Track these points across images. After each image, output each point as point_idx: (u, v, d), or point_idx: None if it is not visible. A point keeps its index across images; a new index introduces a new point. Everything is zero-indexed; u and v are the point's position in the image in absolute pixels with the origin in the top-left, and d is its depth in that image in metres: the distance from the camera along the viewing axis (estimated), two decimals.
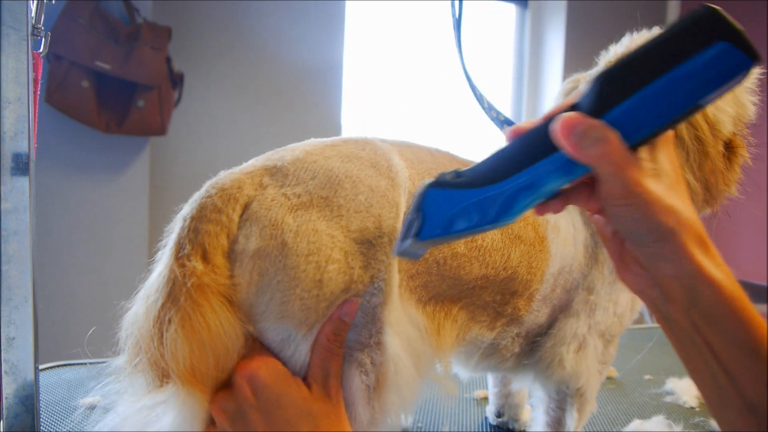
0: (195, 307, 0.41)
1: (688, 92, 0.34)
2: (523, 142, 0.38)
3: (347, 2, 2.22)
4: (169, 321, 0.41)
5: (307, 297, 0.43)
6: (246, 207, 0.44)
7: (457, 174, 0.39)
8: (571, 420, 0.67)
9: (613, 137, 0.35)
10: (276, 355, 0.44)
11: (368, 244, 0.45)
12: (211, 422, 0.44)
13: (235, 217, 0.44)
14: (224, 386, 0.44)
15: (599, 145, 0.35)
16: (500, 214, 0.38)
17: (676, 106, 0.34)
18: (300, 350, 0.44)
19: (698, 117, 0.61)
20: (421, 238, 0.38)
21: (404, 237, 0.40)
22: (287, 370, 0.44)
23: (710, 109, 0.62)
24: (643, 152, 0.37)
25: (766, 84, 0.72)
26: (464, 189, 0.38)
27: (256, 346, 0.45)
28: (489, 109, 0.75)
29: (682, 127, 0.60)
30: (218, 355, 0.42)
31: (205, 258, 0.43)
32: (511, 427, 0.82)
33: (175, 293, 0.42)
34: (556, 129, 0.36)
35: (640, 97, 0.34)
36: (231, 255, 0.44)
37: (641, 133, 0.35)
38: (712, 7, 0.33)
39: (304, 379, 0.44)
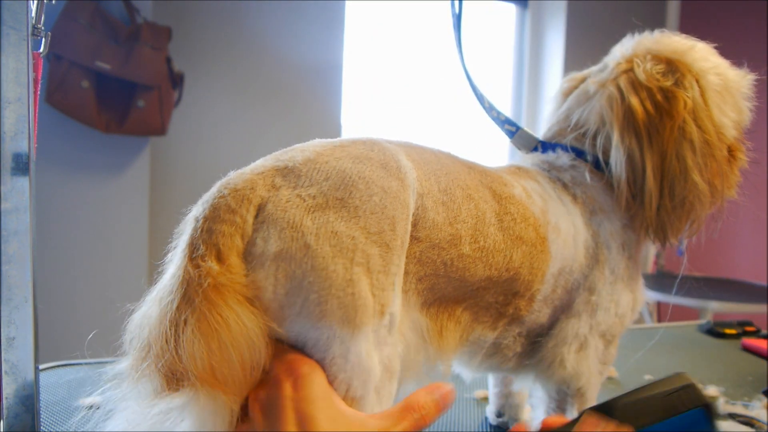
0: (211, 306, 0.40)
1: None
2: None
3: (347, 2, 2.22)
4: (185, 322, 0.40)
5: (343, 296, 0.42)
6: (260, 208, 0.44)
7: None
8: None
9: None
10: (322, 354, 0.43)
11: (386, 247, 0.45)
12: (240, 421, 0.43)
13: (249, 218, 0.43)
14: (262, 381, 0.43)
15: None
16: None
17: None
18: (351, 351, 0.43)
19: (706, 121, 0.63)
20: None
21: None
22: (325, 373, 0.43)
23: (716, 113, 0.63)
24: None
25: (766, 89, 0.72)
26: None
27: (285, 345, 0.44)
28: (489, 108, 0.75)
29: (693, 129, 0.62)
30: (242, 353, 0.41)
31: (220, 258, 0.42)
32: (511, 427, 0.82)
33: (190, 294, 0.41)
34: None
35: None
36: (248, 257, 0.43)
37: None
38: (693, 384, 0.47)
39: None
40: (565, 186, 0.66)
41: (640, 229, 0.67)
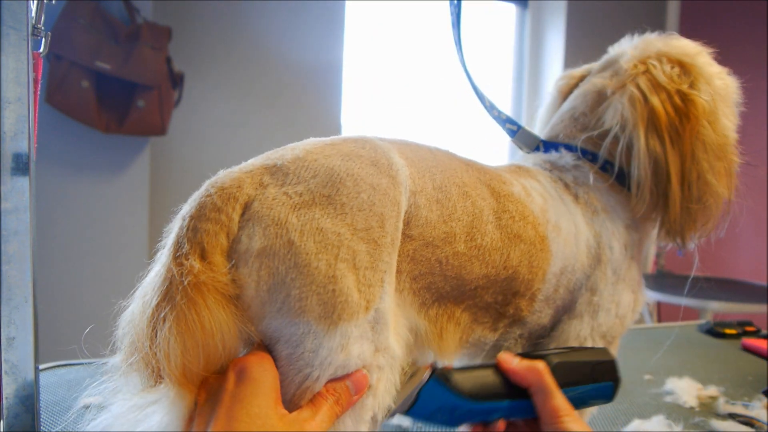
0: (190, 305, 0.41)
1: (588, 396, 0.54)
2: (505, 381, 0.52)
3: (347, 2, 2.22)
4: (164, 319, 0.41)
5: (323, 292, 0.43)
6: (246, 206, 0.44)
7: (452, 373, 0.50)
8: None
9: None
10: (293, 349, 0.43)
11: (374, 244, 0.45)
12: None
13: (235, 217, 0.44)
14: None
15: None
16: (459, 421, 0.50)
17: (579, 402, 0.53)
18: (323, 346, 0.43)
19: (716, 124, 0.64)
20: (409, 414, 0.49)
21: (399, 408, 0.49)
22: (278, 377, 0.43)
23: (722, 117, 0.65)
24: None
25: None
26: (455, 394, 0.49)
27: (255, 347, 0.45)
28: (491, 108, 0.74)
29: (709, 132, 0.64)
30: (209, 355, 0.42)
31: (204, 256, 0.42)
32: None
33: (171, 292, 0.41)
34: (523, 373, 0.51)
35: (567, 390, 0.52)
36: (233, 254, 0.43)
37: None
38: (615, 361, 0.56)
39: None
40: (566, 186, 0.66)
41: (660, 230, 0.68)
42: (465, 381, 0.49)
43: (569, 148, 0.69)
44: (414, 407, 0.48)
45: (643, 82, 0.64)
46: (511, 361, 0.51)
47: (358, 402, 0.45)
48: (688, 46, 0.68)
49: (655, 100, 0.63)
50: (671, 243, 0.68)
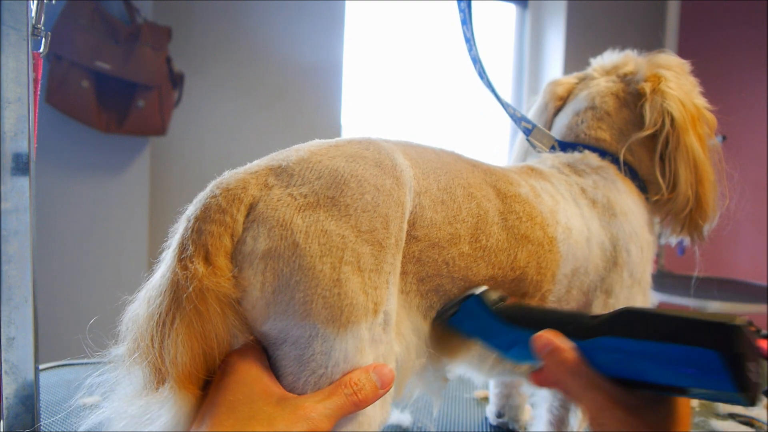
0: (197, 314, 0.41)
1: (664, 371, 0.38)
2: (547, 317, 0.50)
3: (347, 2, 2.22)
4: (172, 326, 0.41)
5: (329, 296, 0.42)
6: (251, 207, 0.44)
7: (499, 299, 0.52)
8: (575, 419, 0.67)
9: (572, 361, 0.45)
10: (301, 350, 0.43)
11: (378, 246, 0.45)
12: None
13: (240, 218, 0.44)
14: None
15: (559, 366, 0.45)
16: (506, 350, 0.51)
17: (650, 374, 0.40)
18: (335, 349, 0.43)
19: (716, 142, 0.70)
20: (449, 323, 0.52)
21: (440, 314, 0.52)
22: (264, 362, 0.43)
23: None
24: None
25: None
26: (494, 316, 0.50)
27: (242, 346, 0.45)
28: (506, 105, 0.75)
29: (714, 140, 0.70)
30: (208, 362, 0.43)
31: (207, 259, 0.42)
32: (511, 427, 0.82)
33: (178, 297, 0.41)
34: (535, 343, 0.47)
35: (628, 345, 0.41)
36: (238, 256, 0.43)
37: (614, 373, 0.43)
38: (740, 326, 0.35)
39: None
40: (583, 190, 0.66)
41: (683, 227, 0.71)
42: (506, 309, 0.51)
43: (593, 149, 0.70)
44: (453, 317, 0.52)
45: (674, 86, 0.68)
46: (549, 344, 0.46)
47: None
48: (679, 61, 0.73)
49: (690, 104, 0.68)
50: (689, 238, 0.73)
